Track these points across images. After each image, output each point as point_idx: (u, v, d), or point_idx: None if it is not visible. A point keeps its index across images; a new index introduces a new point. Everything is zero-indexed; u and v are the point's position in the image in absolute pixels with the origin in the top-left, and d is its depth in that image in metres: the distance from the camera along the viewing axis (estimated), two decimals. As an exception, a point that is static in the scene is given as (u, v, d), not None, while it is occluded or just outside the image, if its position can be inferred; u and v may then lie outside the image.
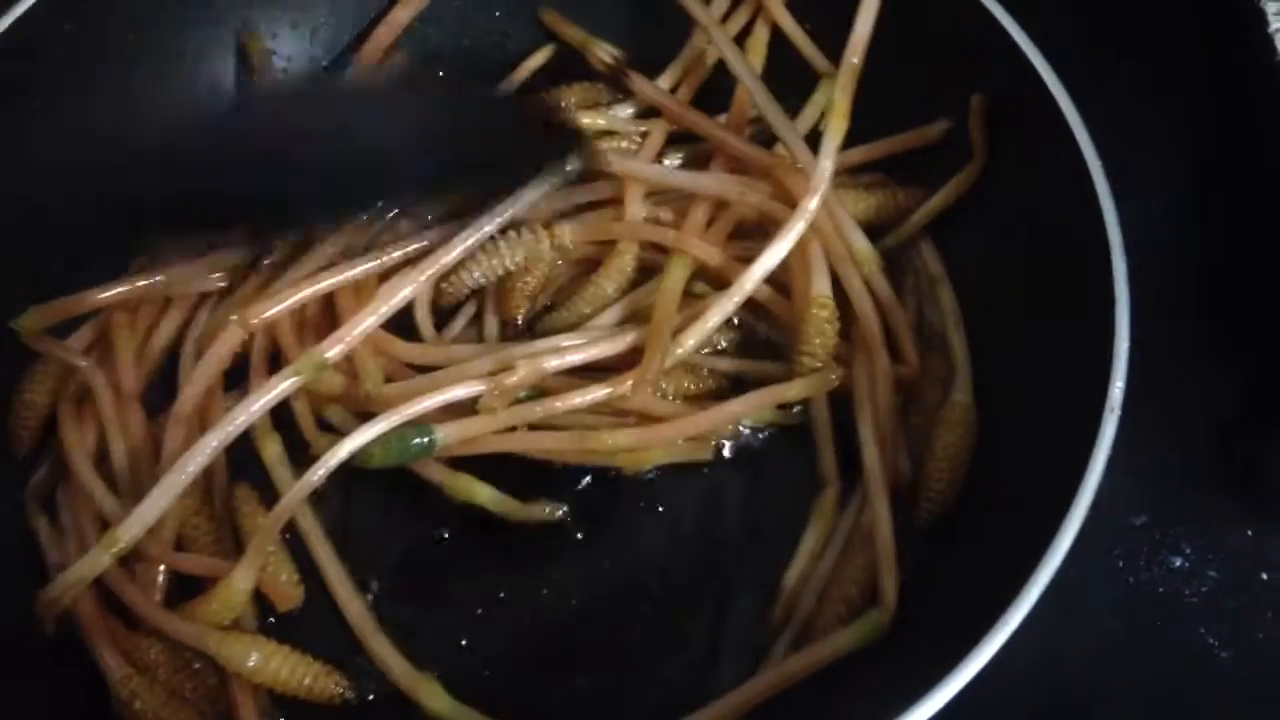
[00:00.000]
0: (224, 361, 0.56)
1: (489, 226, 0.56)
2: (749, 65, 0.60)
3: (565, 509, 0.54)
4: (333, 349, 0.54)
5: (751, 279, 0.54)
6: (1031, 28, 0.55)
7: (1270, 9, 0.66)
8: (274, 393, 0.53)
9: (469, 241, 0.56)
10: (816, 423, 0.56)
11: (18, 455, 0.56)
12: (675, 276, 0.57)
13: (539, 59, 0.67)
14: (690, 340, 0.54)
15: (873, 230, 0.59)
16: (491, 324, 0.60)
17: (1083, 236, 0.50)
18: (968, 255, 0.59)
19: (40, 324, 0.56)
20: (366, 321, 0.55)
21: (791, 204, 0.56)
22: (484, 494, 0.53)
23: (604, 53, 0.65)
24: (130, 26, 0.60)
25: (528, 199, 0.57)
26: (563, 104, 0.64)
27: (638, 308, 0.59)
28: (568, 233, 0.58)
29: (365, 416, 0.53)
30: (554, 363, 0.54)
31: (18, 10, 0.56)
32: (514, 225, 0.58)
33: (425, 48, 0.67)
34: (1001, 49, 0.55)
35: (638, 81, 0.63)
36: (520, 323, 0.60)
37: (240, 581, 0.50)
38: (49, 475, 0.54)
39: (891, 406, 0.55)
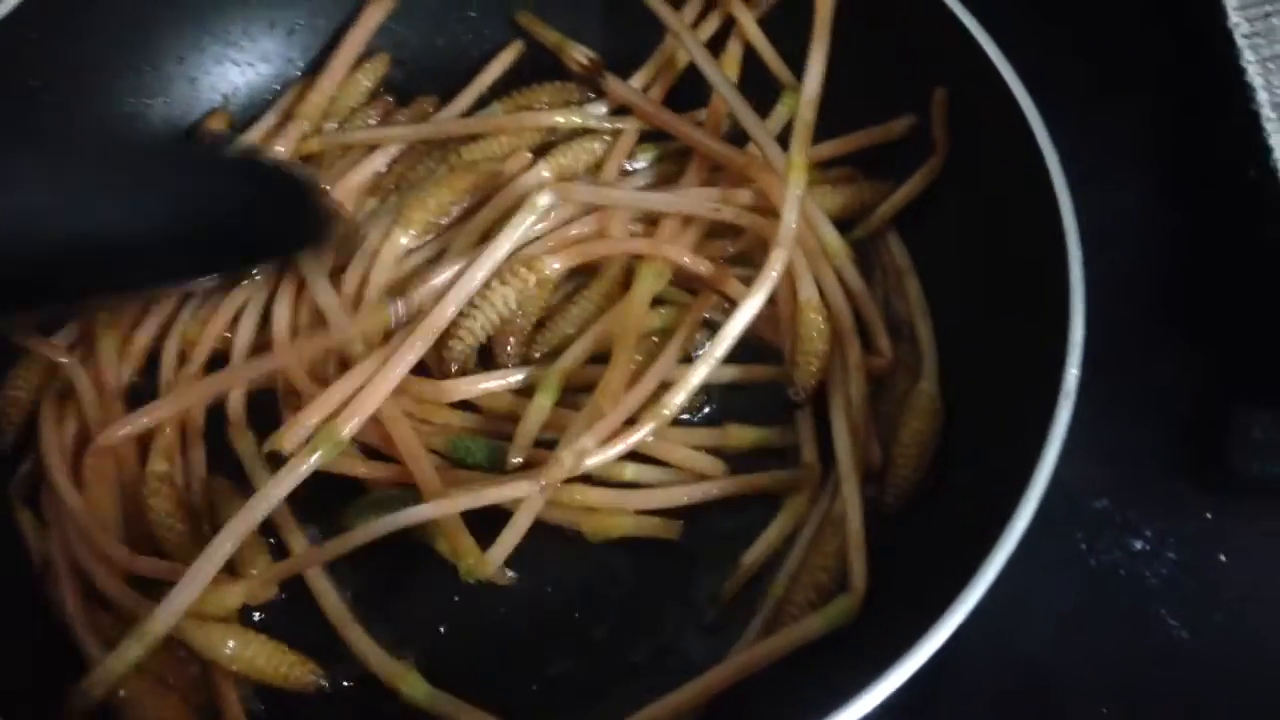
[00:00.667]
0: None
1: (479, 275, 0.56)
2: (721, 71, 0.61)
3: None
4: (349, 425, 0.53)
5: (734, 330, 0.54)
6: (992, 24, 0.56)
7: (1230, 3, 0.68)
8: (295, 477, 0.52)
9: (461, 295, 0.56)
10: (799, 415, 0.57)
11: (2, 450, 0.56)
12: (645, 287, 0.57)
13: (507, 58, 0.67)
14: (677, 399, 0.53)
15: (841, 223, 0.60)
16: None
17: (1041, 228, 0.51)
18: (933, 247, 0.60)
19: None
20: (381, 393, 0.54)
21: (766, 211, 0.58)
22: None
23: (580, 54, 0.66)
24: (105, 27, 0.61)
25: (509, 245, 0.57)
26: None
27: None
28: (549, 265, 0.58)
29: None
30: (594, 459, 0.52)
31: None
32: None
33: (401, 49, 0.68)
34: (962, 45, 0.56)
35: (612, 83, 0.64)
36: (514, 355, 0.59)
37: (231, 599, 0.51)
38: (33, 469, 0.55)
39: (864, 398, 0.56)
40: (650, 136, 0.64)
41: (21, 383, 0.57)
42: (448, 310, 0.56)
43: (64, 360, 0.57)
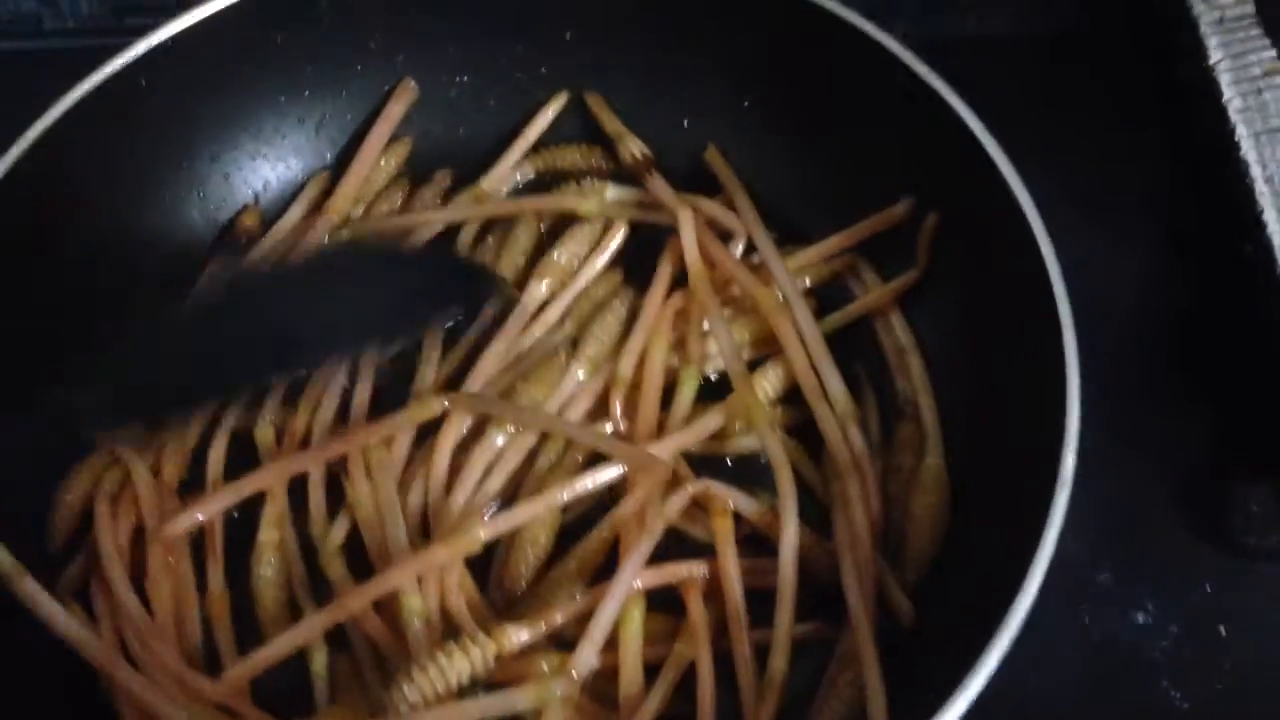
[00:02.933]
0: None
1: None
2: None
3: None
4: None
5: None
6: (985, 107, 0.59)
7: (1224, 79, 0.70)
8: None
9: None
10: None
11: (52, 550, 0.59)
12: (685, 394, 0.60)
13: (534, 132, 0.70)
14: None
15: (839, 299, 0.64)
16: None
17: (1037, 314, 0.54)
18: (934, 326, 0.62)
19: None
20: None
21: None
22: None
23: (635, 148, 0.68)
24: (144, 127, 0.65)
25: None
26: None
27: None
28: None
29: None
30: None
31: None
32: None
33: (425, 139, 0.71)
34: (956, 131, 0.58)
35: (658, 184, 0.66)
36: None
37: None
38: (82, 568, 0.57)
39: (871, 555, 0.55)
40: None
41: (74, 487, 0.59)
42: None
43: (123, 452, 0.59)
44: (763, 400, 0.60)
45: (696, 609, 0.55)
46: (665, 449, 0.58)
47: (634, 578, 0.54)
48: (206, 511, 0.58)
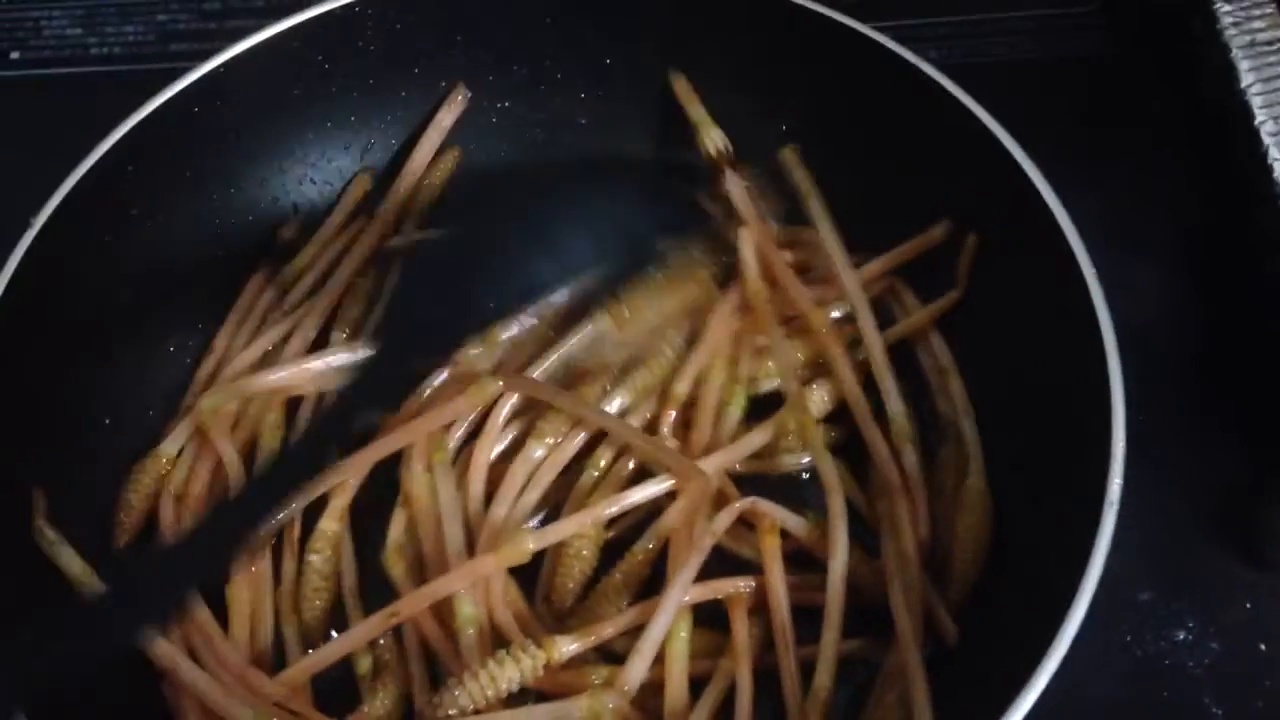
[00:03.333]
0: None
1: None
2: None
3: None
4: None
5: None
6: (1013, 127, 0.60)
7: (1255, 102, 0.71)
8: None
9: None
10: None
11: (118, 548, 0.60)
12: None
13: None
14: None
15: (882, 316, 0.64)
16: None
17: (1080, 337, 0.54)
18: (975, 348, 0.63)
19: (219, 404, 0.62)
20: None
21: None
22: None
23: (716, 140, 0.68)
24: (199, 155, 0.66)
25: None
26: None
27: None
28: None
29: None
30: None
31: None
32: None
33: (467, 161, 0.72)
34: (996, 156, 0.59)
35: (732, 180, 0.66)
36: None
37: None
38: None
39: (919, 575, 0.56)
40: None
41: (136, 487, 0.60)
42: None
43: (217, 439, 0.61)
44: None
45: (741, 626, 0.56)
46: (712, 464, 0.59)
47: (683, 594, 0.55)
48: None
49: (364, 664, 0.57)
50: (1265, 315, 0.66)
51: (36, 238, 0.58)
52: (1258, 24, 0.73)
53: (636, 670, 0.54)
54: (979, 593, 0.57)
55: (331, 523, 0.60)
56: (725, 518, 0.58)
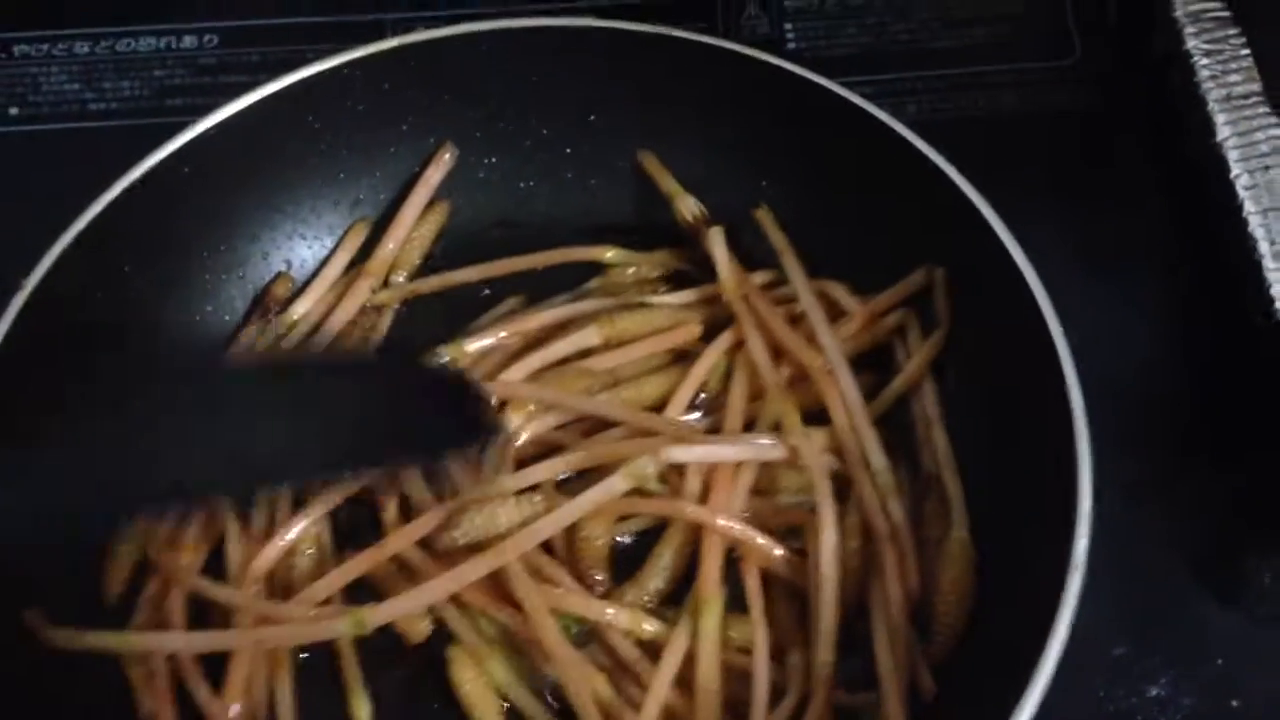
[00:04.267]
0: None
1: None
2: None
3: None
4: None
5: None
6: (993, 179, 0.61)
7: (1231, 156, 0.72)
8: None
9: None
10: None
11: (109, 601, 0.61)
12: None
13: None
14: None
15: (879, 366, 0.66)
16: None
17: (1048, 396, 0.55)
18: (957, 401, 0.64)
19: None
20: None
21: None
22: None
23: (690, 207, 0.70)
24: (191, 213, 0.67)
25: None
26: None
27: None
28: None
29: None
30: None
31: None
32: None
33: (458, 215, 0.73)
34: (966, 213, 0.61)
35: (714, 239, 0.67)
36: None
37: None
38: (144, 621, 0.60)
39: (905, 625, 0.57)
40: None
41: (124, 535, 0.61)
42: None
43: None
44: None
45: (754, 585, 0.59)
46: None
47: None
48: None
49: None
50: (1246, 366, 0.67)
51: (29, 296, 0.60)
52: (1234, 77, 0.74)
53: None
54: (956, 645, 0.57)
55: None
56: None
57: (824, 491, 0.60)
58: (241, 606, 0.59)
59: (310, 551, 0.62)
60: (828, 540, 0.58)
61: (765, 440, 0.62)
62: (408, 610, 0.58)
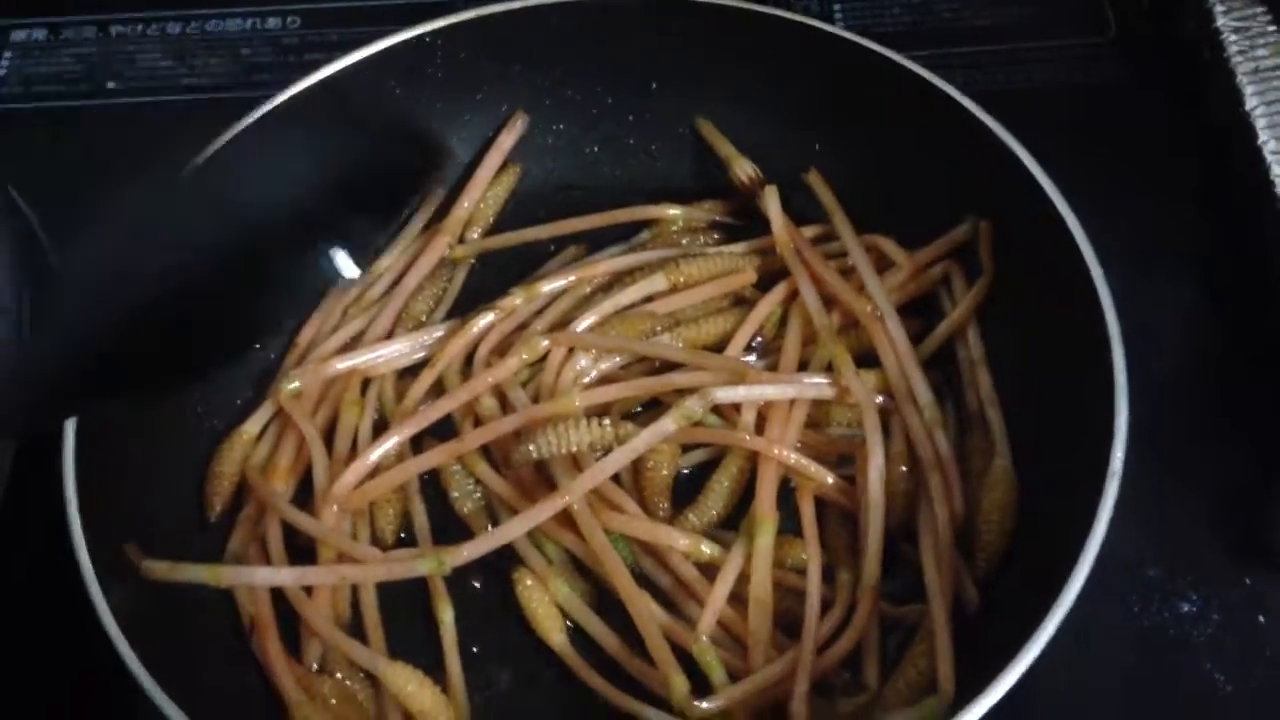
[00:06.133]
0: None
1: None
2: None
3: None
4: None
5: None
6: (1033, 147, 0.66)
7: (1259, 123, 0.76)
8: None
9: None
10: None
11: (210, 520, 0.65)
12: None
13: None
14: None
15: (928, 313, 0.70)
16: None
17: (1089, 331, 0.59)
18: (1003, 343, 0.68)
19: (299, 386, 0.68)
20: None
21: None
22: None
23: (746, 169, 0.74)
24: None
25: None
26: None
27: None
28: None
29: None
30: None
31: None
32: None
33: (527, 177, 0.78)
34: (1015, 171, 0.65)
35: (769, 196, 0.71)
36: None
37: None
38: (241, 539, 0.64)
39: (951, 545, 0.61)
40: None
41: (222, 462, 0.66)
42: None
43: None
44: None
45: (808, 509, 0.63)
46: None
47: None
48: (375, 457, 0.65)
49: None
50: (1272, 323, 0.71)
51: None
52: (1261, 51, 0.78)
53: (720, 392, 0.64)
54: (1001, 564, 0.61)
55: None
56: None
57: (872, 424, 0.64)
58: (322, 539, 0.63)
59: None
60: (875, 465, 0.63)
61: (810, 380, 0.66)
62: (486, 550, 0.62)
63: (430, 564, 0.61)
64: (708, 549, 0.63)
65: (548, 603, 0.62)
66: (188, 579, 0.61)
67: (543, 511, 0.62)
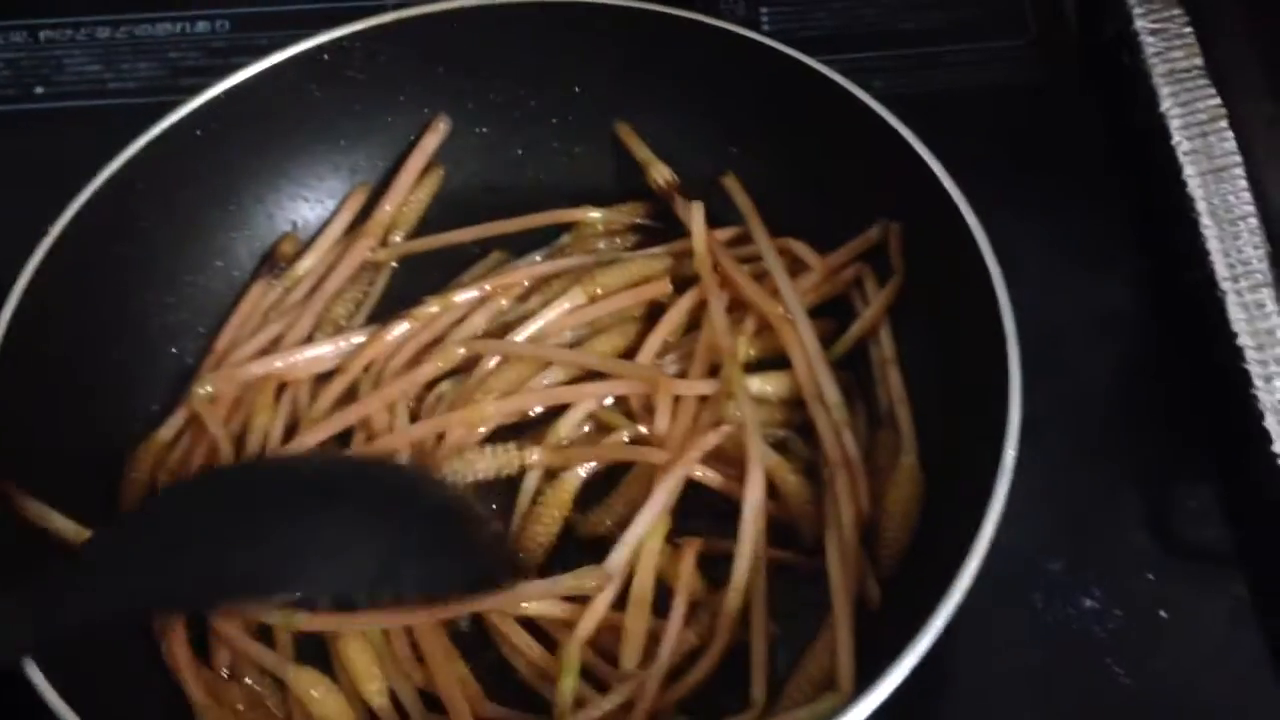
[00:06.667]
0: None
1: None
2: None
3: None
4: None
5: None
6: (949, 149, 0.66)
7: (1174, 124, 0.77)
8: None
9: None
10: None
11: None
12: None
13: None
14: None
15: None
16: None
17: (989, 329, 0.60)
18: (911, 343, 0.68)
19: (212, 390, 0.68)
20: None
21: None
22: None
23: (662, 174, 0.75)
24: (199, 176, 0.73)
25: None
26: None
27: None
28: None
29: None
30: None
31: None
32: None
33: (450, 180, 0.78)
34: (923, 179, 0.66)
35: (694, 214, 0.71)
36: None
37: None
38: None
39: (856, 542, 0.62)
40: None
41: (137, 467, 0.66)
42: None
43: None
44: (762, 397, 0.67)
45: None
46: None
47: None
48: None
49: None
50: (1183, 318, 0.72)
51: (54, 243, 0.65)
52: (1177, 53, 0.79)
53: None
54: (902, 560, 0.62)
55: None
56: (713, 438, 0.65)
57: (755, 451, 0.63)
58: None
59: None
60: (753, 499, 0.62)
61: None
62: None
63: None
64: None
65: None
66: (58, 529, 0.61)
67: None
